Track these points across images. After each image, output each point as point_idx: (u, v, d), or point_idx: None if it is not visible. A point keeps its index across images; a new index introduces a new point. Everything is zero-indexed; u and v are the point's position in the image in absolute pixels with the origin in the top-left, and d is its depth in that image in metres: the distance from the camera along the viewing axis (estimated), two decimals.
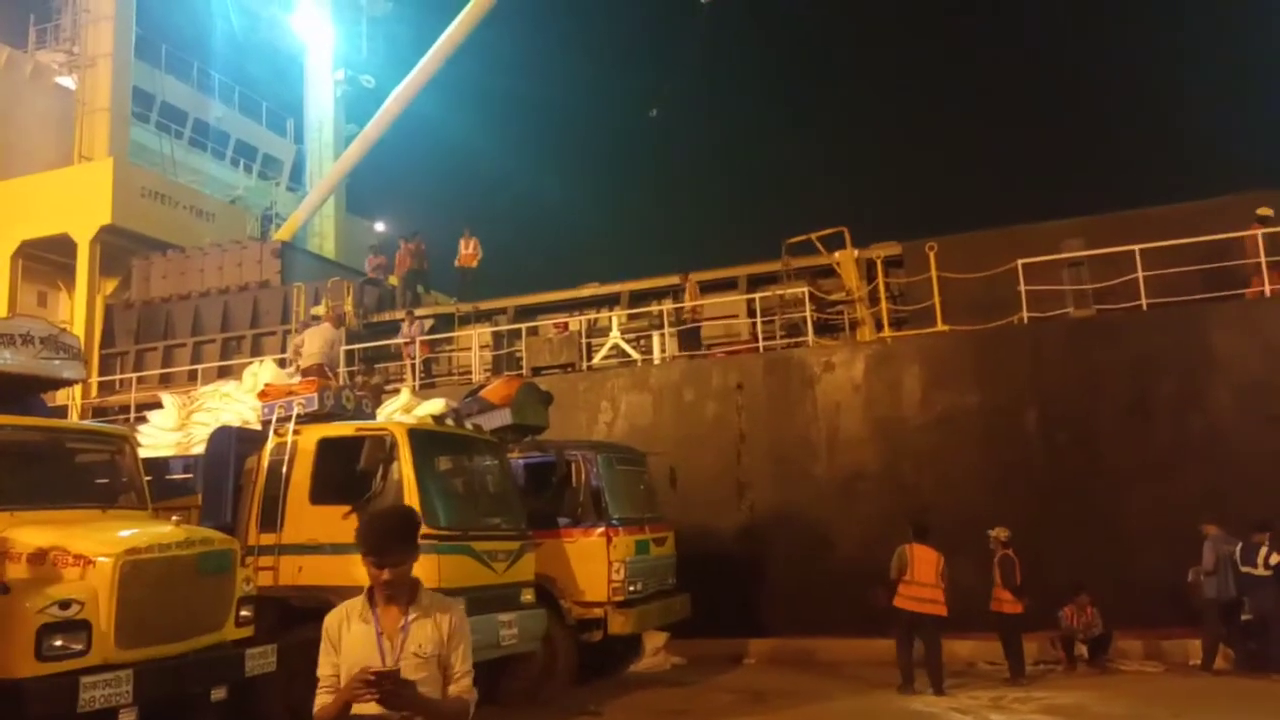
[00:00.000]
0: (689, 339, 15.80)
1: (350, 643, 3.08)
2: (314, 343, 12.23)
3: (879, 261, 14.72)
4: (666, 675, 11.67)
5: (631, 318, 16.52)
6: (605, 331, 16.30)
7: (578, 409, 14.35)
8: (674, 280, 16.70)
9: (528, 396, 11.44)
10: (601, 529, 10.34)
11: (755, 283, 15.98)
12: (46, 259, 21.65)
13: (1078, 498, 11.90)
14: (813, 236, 15.35)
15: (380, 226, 29.65)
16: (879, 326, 14.44)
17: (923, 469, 12.81)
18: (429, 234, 20.82)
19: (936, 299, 13.69)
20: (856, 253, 15.03)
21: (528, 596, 9.23)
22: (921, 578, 9.99)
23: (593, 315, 16.94)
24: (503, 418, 10.77)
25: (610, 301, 17.23)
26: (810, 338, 14.45)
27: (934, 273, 13.73)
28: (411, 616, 3.10)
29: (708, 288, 16.60)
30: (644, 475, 11.91)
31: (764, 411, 13.81)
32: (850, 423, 13.43)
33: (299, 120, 29.01)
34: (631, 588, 10.30)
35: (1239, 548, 10.47)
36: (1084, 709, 8.97)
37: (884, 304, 14.44)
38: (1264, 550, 10.27)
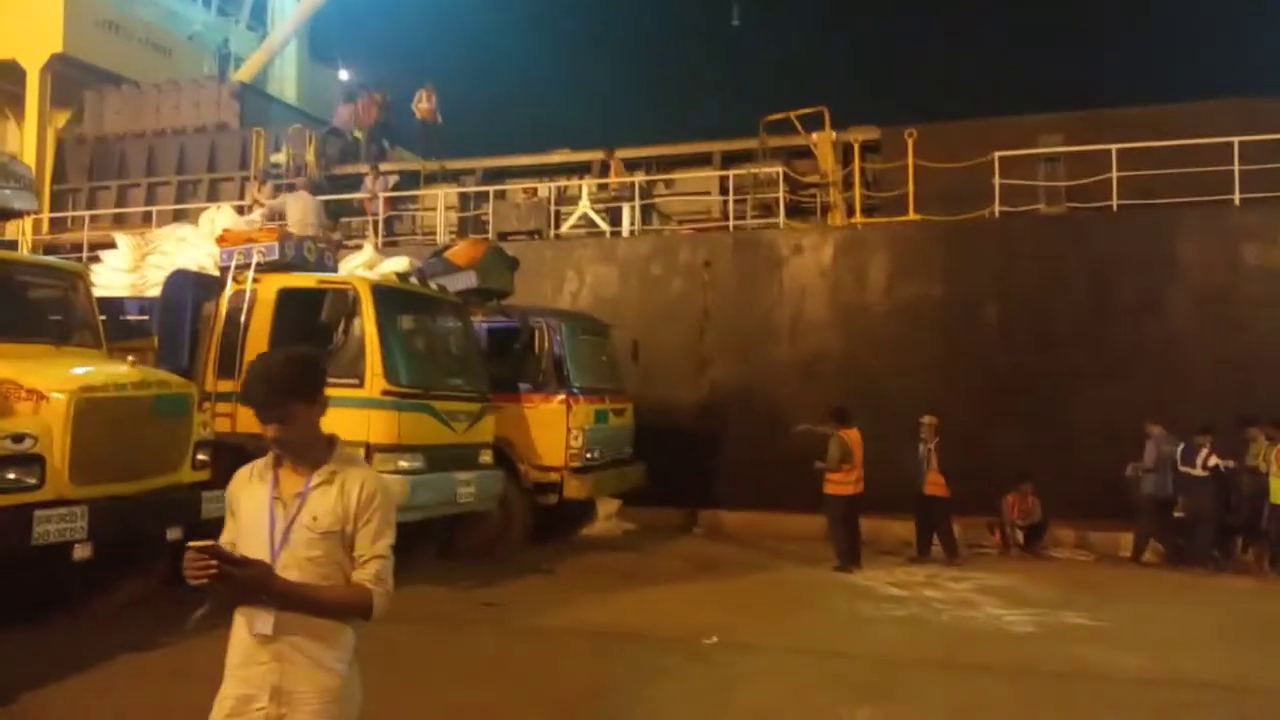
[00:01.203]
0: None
1: (246, 507, 2.59)
2: (302, 212, 11.88)
3: (856, 145, 14.49)
4: (618, 540, 12.00)
5: (601, 187, 16.22)
6: (575, 200, 16.02)
7: (543, 277, 14.21)
8: (649, 150, 16.39)
9: (494, 260, 11.32)
10: (562, 396, 10.39)
11: (730, 160, 15.71)
12: None
13: (1030, 391, 12.15)
14: (792, 115, 15.02)
15: (345, 75, 28.48)
16: (850, 212, 14.34)
17: (882, 355, 12.94)
18: (396, 86, 20.05)
19: (911, 187, 13.57)
20: (834, 135, 14.78)
21: (486, 457, 9.35)
22: (858, 462, 10.37)
23: (563, 182, 16.60)
24: (467, 280, 10.66)
25: (581, 170, 16.87)
26: (782, 219, 14.32)
27: (910, 160, 13.57)
28: (314, 482, 2.54)
29: (681, 162, 16.31)
30: (607, 346, 11.93)
31: (730, 290, 13.78)
32: (815, 306, 13.48)
33: None
34: (589, 455, 10.45)
35: (1180, 448, 10.82)
36: (1015, 590, 9.37)
37: (858, 189, 14.29)
38: (1204, 452, 10.62)
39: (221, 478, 7.17)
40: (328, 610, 2.48)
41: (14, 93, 20.30)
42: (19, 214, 8.37)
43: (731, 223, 14.71)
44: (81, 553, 6.06)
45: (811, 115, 14.98)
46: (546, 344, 10.63)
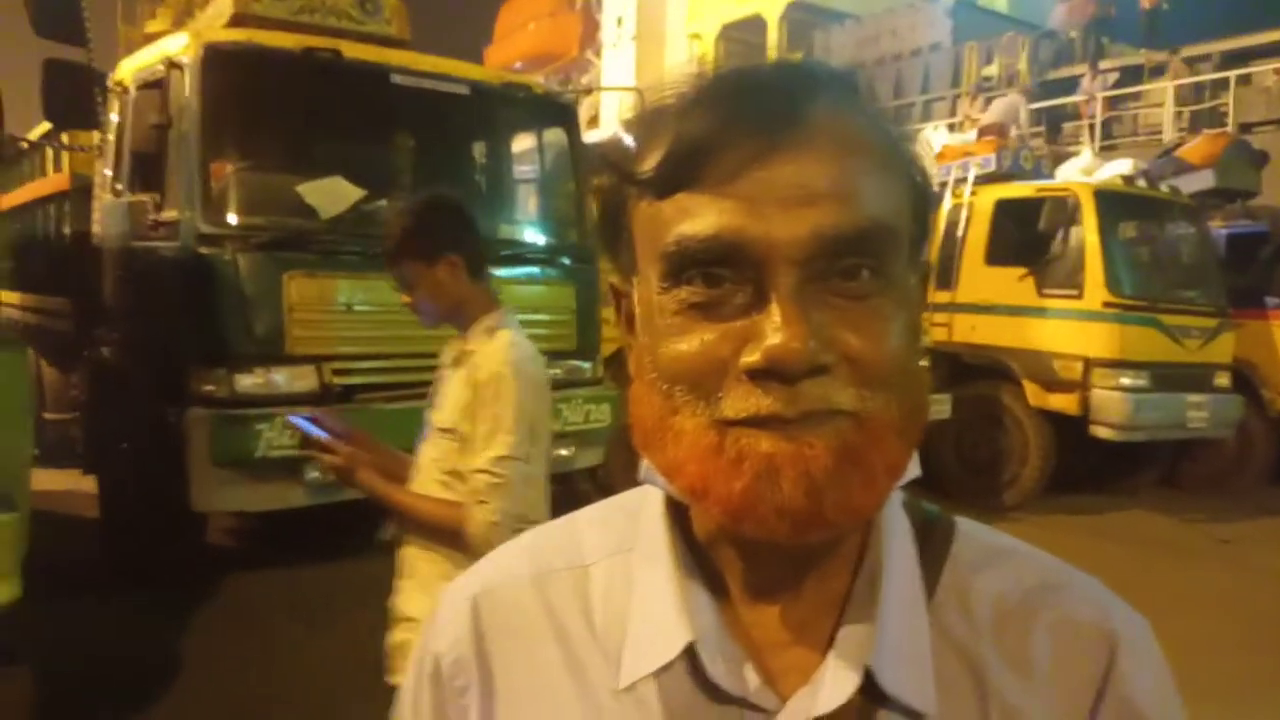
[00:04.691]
0: None
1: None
2: (996, 105, 11.94)
3: None
4: None
5: None
6: None
7: None
8: None
9: (1235, 156, 10.01)
10: None
11: None
12: (742, 40, 23.79)
13: None
14: None
15: None
16: None
17: None
18: None
19: None
20: None
21: (1222, 380, 8.38)
22: None
23: None
24: (1204, 180, 9.58)
25: None
26: None
27: None
28: (445, 362, 2.06)
29: None
30: None
31: None
32: None
33: None
34: None
35: None
36: None
37: None
38: None
39: (937, 385, 7.65)
40: (418, 524, 1.97)
41: (756, 44, 23.20)
42: None
43: None
44: None
45: None
46: None
